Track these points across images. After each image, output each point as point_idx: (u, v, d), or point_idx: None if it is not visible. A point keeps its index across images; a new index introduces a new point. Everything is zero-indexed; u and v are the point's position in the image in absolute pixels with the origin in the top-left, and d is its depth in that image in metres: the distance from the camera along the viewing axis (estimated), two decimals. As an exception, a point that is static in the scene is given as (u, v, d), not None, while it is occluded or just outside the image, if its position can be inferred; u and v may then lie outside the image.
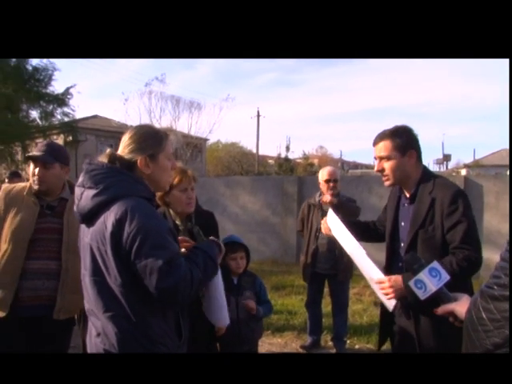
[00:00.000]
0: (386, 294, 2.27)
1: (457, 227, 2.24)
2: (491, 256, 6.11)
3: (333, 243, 4.42)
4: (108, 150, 1.91)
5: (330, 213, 2.78)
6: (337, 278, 4.62)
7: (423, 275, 1.73)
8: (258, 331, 3.32)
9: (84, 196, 1.81)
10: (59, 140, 28.55)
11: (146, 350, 1.76)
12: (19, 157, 21.29)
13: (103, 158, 1.88)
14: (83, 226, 1.88)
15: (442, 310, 1.58)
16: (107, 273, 1.74)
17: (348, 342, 4.96)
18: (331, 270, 4.59)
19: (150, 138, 1.90)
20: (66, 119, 22.37)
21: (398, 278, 2.24)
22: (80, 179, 1.85)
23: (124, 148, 1.89)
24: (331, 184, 4.58)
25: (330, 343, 4.90)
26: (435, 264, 1.75)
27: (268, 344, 4.98)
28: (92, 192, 1.77)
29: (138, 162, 1.85)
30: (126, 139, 1.91)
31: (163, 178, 1.95)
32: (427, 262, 1.77)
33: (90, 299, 1.83)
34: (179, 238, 2.09)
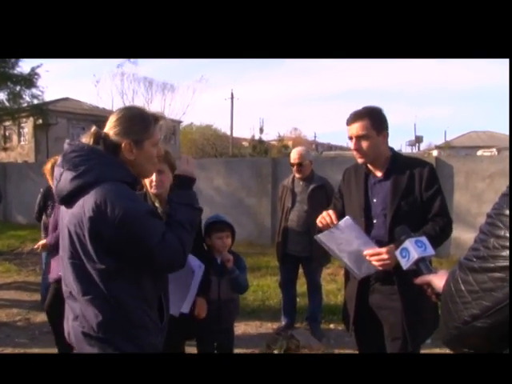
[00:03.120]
0: (383, 265, 2.33)
1: (435, 198, 2.48)
2: (461, 234, 6.31)
3: (303, 225, 4.53)
4: (94, 129, 1.85)
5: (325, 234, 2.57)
6: (311, 261, 4.63)
7: (408, 243, 1.75)
8: (235, 311, 3.37)
9: (63, 178, 1.77)
10: (29, 123, 28.00)
11: (126, 332, 1.76)
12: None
13: (87, 138, 1.84)
14: (62, 208, 1.85)
15: (420, 279, 1.61)
16: (85, 256, 1.72)
17: (322, 321, 5.02)
18: (303, 252, 4.60)
19: (138, 123, 1.84)
20: (36, 101, 21.80)
21: (392, 247, 2.28)
22: (59, 160, 1.81)
23: (109, 129, 1.83)
24: (296, 168, 4.63)
25: (305, 322, 4.97)
26: (423, 238, 1.79)
27: (244, 325, 5.02)
28: (71, 174, 1.73)
29: (123, 146, 1.81)
30: (113, 120, 1.85)
31: (146, 165, 1.90)
32: (416, 235, 1.82)
33: (69, 281, 1.81)
34: None
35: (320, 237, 2.54)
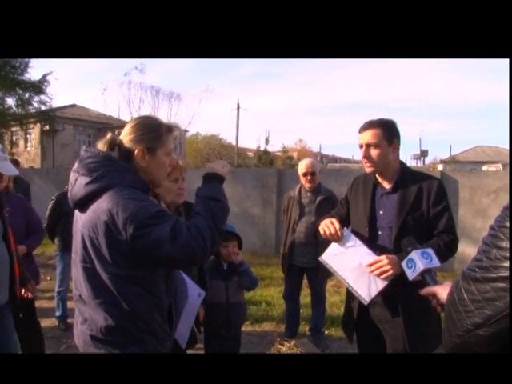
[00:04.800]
0: (384, 272, 2.35)
1: (442, 214, 2.49)
2: (465, 249, 6.31)
3: (310, 236, 4.45)
4: (109, 135, 1.91)
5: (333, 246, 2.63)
6: (318, 273, 4.58)
7: (415, 254, 1.80)
8: (243, 315, 3.42)
9: (77, 183, 1.82)
10: (36, 129, 28.19)
11: (134, 337, 1.78)
12: (-6, 145, 20.90)
13: (102, 144, 1.89)
14: (77, 212, 1.89)
15: (425, 290, 1.65)
16: (98, 260, 1.76)
17: (325, 332, 5.04)
18: (309, 263, 4.59)
19: (152, 131, 1.89)
20: (43, 107, 22.00)
21: (393, 256, 2.33)
22: (75, 165, 1.86)
23: (124, 136, 1.90)
24: (308, 177, 4.64)
25: (308, 333, 4.96)
26: (430, 250, 1.82)
27: (247, 334, 5.02)
28: (85, 180, 1.78)
29: (136, 152, 1.86)
30: (128, 127, 1.91)
31: (158, 173, 1.95)
32: (423, 247, 1.85)
33: (79, 285, 1.85)
34: None
35: (323, 258, 2.59)
